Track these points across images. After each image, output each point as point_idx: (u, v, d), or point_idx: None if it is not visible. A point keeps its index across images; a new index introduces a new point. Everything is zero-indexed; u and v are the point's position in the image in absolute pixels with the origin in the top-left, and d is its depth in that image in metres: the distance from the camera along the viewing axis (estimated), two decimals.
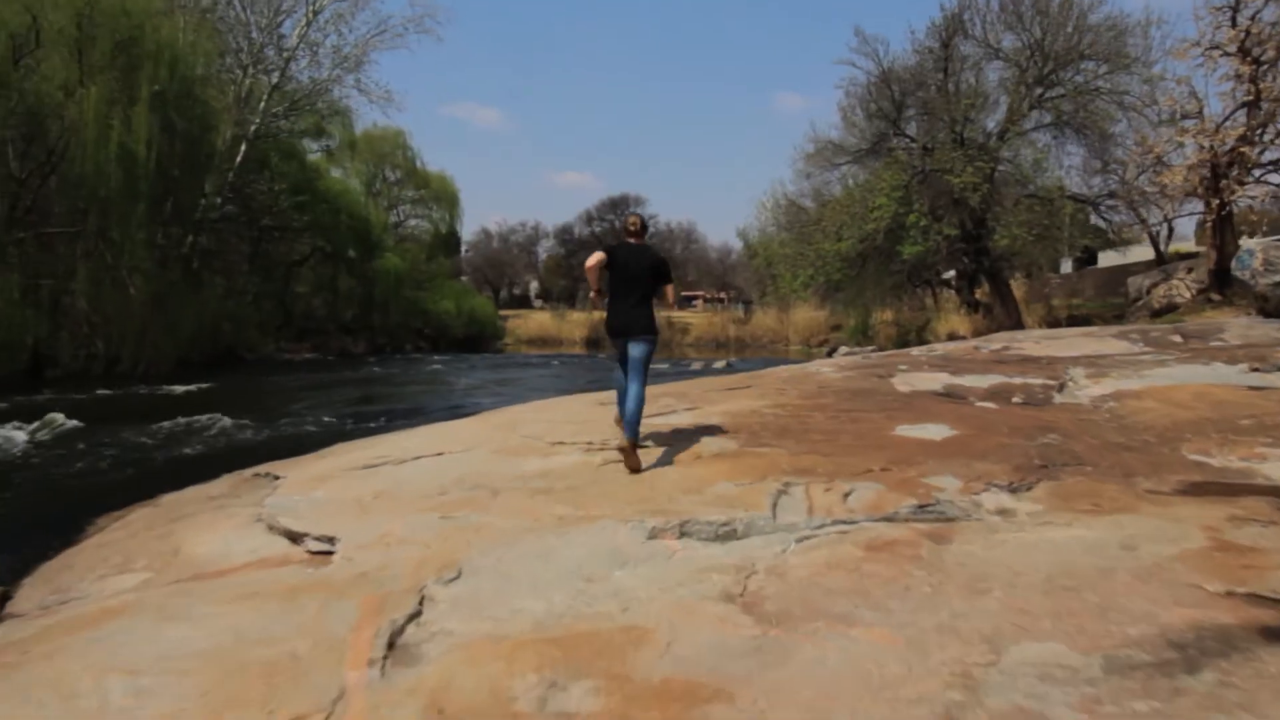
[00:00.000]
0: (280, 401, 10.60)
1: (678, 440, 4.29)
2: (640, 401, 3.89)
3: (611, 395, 6.22)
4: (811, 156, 21.64)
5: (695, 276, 61.91)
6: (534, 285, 70.76)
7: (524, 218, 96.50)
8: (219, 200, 20.15)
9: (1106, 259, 33.14)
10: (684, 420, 4.91)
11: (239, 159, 20.52)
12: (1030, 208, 17.15)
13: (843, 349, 28.52)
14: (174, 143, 16.11)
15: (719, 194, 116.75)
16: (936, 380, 5.81)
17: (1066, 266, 35.11)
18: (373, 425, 8.10)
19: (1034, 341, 10.62)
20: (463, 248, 61.06)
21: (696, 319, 46.71)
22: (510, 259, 66.72)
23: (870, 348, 26.49)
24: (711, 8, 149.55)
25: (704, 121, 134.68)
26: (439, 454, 4.36)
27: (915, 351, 11.32)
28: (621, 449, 3.75)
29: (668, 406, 5.36)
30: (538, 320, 52.13)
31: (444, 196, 40.15)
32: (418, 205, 40.84)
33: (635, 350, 3.95)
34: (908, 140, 19.52)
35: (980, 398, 5.15)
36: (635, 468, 3.70)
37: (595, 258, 3.91)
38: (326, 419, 8.66)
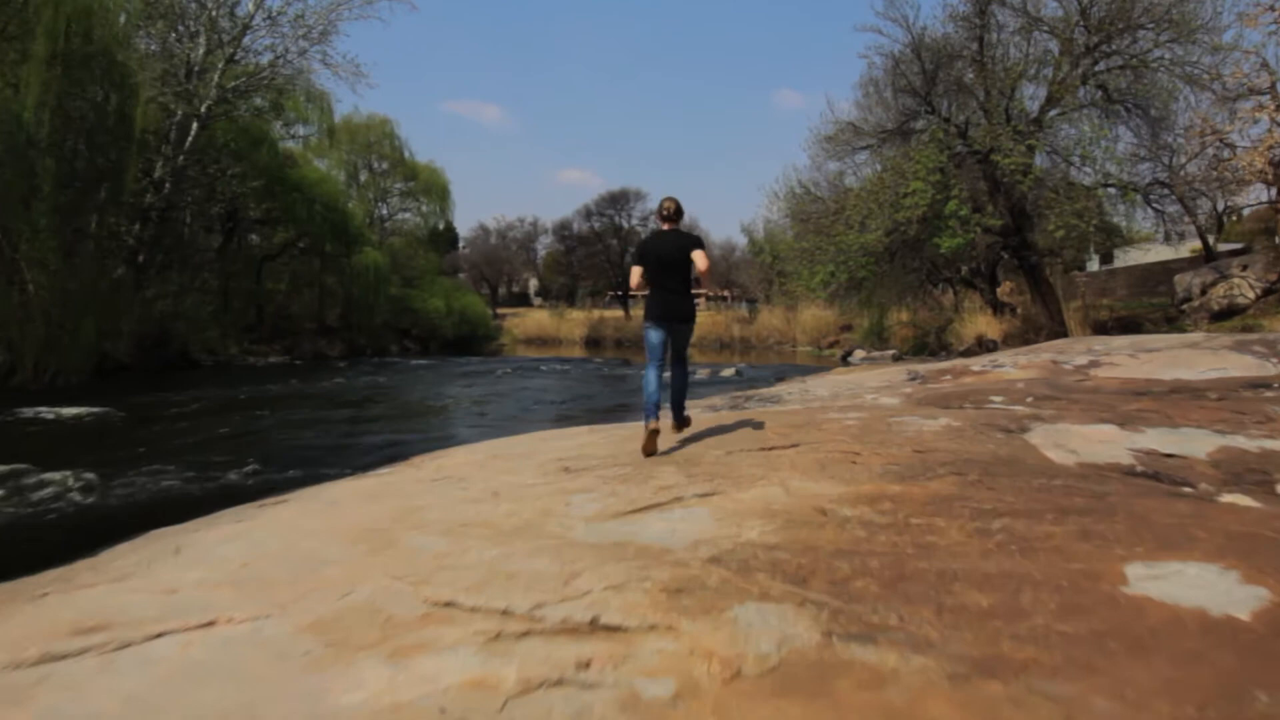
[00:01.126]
0: (179, 432, 8.40)
1: (685, 606, 2.09)
2: (685, 381, 4.12)
3: (585, 446, 4.05)
4: (829, 139, 19.34)
5: (697, 274, 59.51)
6: (533, 283, 68.64)
7: (522, 214, 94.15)
8: (166, 186, 17.93)
9: (1120, 257, 30.86)
10: (696, 531, 2.70)
11: (189, 140, 18.29)
12: (1088, 194, 14.92)
13: (858, 352, 26.26)
14: (98, 117, 13.87)
15: (720, 191, 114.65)
16: (1106, 439, 3.58)
17: (1093, 264, 32.96)
18: (267, 475, 5.95)
19: (1127, 355, 8.45)
20: (460, 244, 58.81)
21: (699, 318, 44.53)
22: (508, 256, 64.65)
23: (890, 351, 24.26)
24: (711, 5, 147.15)
25: (704, 119, 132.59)
26: (208, 624, 2.18)
27: (978, 365, 9.14)
28: (652, 430, 3.78)
29: (668, 488, 3.18)
30: (536, 319, 49.93)
31: (434, 189, 38.02)
32: (406, 198, 38.76)
33: (676, 336, 4.08)
34: (940, 120, 17.26)
35: (1217, 484, 2.94)
36: (650, 450, 3.75)
37: (635, 276, 4.04)
38: (206, 467, 6.47)
